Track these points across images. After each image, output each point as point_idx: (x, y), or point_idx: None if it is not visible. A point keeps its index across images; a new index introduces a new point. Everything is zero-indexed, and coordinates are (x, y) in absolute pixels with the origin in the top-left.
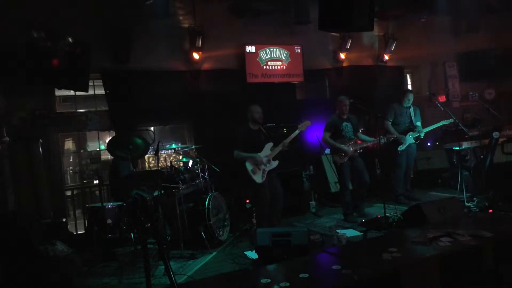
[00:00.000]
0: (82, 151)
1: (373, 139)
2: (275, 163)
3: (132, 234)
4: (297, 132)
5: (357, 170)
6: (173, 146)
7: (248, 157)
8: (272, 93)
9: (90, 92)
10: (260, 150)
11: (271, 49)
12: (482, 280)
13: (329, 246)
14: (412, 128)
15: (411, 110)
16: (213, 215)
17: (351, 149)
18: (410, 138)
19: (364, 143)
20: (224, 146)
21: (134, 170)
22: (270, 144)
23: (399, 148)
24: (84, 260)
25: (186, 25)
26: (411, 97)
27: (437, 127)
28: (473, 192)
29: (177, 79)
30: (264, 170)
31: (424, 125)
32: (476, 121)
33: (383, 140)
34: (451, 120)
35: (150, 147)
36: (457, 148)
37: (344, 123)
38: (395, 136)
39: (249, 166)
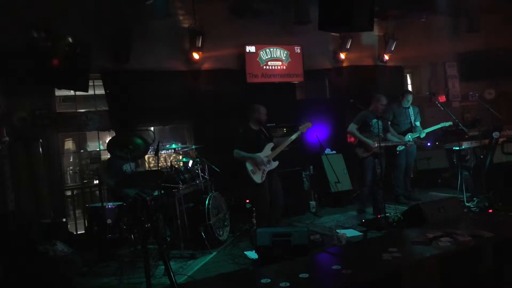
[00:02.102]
0: (82, 151)
1: (398, 140)
2: (275, 164)
3: (132, 234)
4: (298, 133)
5: (377, 168)
6: (173, 146)
7: (248, 157)
8: (272, 93)
9: (90, 92)
10: (260, 150)
11: (271, 49)
12: (482, 280)
13: (329, 246)
14: (412, 128)
15: (411, 110)
16: (213, 215)
17: (376, 145)
18: (409, 139)
19: (390, 143)
20: (224, 146)
21: (134, 170)
22: (271, 145)
23: (398, 148)
24: (84, 260)
25: (186, 25)
26: (410, 98)
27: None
28: (473, 192)
29: (177, 79)
30: (264, 170)
31: (424, 126)
32: (476, 121)
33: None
34: (451, 123)
35: (150, 147)
36: (457, 148)
37: (375, 120)
38: (391, 144)
39: (249, 166)
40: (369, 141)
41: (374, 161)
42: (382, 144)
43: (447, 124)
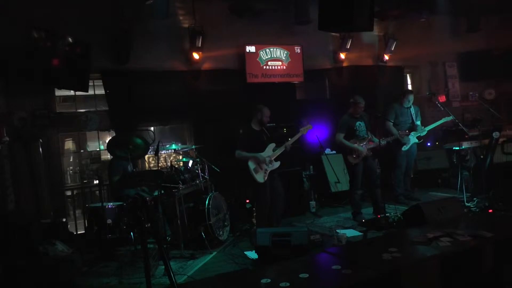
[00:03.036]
0: (82, 151)
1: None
2: (277, 164)
3: (132, 234)
4: (299, 135)
5: (369, 169)
6: (173, 146)
7: (250, 156)
8: (272, 93)
9: (90, 92)
10: (262, 150)
11: (271, 49)
12: (482, 280)
13: (329, 246)
14: (414, 128)
15: (412, 110)
16: (213, 215)
17: (365, 149)
18: (413, 138)
19: (376, 144)
20: (224, 146)
21: (134, 170)
22: (272, 145)
23: (403, 149)
24: (84, 260)
25: (186, 25)
26: (411, 98)
27: (438, 126)
28: (473, 192)
29: (177, 79)
30: (266, 170)
31: (424, 125)
32: (476, 121)
33: (383, 142)
34: (452, 117)
35: (150, 147)
36: (457, 148)
37: (358, 122)
38: (392, 138)
39: (251, 165)
40: (359, 147)
41: (364, 165)
42: (383, 142)
43: (449, 118)
